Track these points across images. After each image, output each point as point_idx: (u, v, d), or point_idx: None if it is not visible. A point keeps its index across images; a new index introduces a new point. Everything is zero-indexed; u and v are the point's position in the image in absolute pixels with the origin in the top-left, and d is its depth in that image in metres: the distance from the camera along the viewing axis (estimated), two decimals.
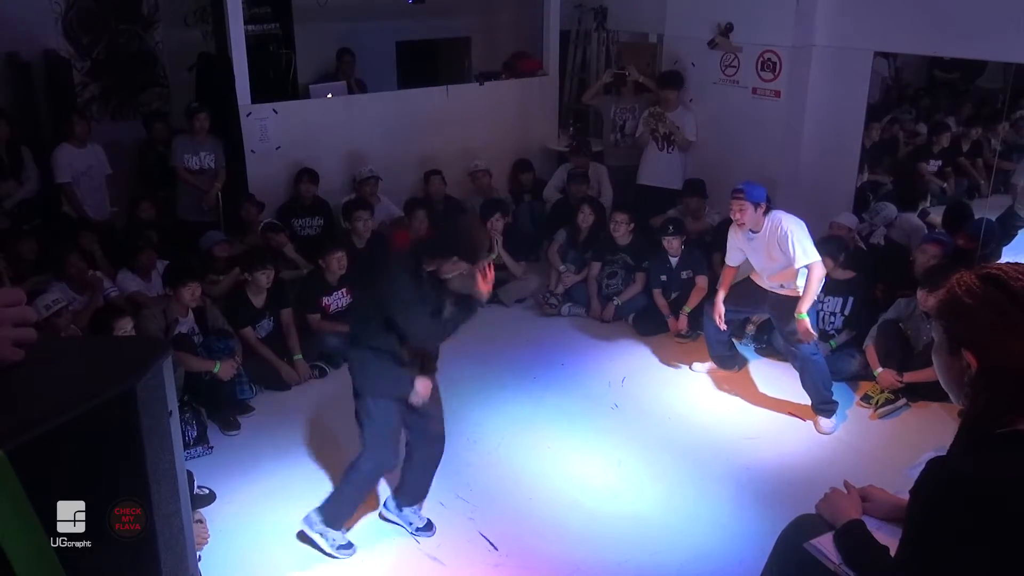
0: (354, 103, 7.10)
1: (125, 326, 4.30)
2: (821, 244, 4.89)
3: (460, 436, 4.63)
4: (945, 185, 8.30)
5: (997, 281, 1.47)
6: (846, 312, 5.29)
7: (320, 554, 3.68)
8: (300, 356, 5.23)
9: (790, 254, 4.52)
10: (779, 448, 4.57)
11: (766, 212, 4.63)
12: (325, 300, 5.50)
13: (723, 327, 4.92)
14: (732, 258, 4.92)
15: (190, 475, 4.01)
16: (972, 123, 8.74)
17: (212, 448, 4.50)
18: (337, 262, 5.42)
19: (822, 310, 5.31)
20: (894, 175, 7.96)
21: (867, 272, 5.44)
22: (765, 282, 4.78)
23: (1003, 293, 1.45)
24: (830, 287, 5.22)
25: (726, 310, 4.94)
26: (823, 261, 4.65)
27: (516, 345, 5.72)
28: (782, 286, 4.71)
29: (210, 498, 4.02)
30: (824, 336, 5.22)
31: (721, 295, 4.91)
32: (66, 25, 7.16)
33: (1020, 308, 1.43)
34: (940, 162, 8.31)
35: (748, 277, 4.93)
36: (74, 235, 5.66)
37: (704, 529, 3.89)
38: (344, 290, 5.57)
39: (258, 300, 5.19)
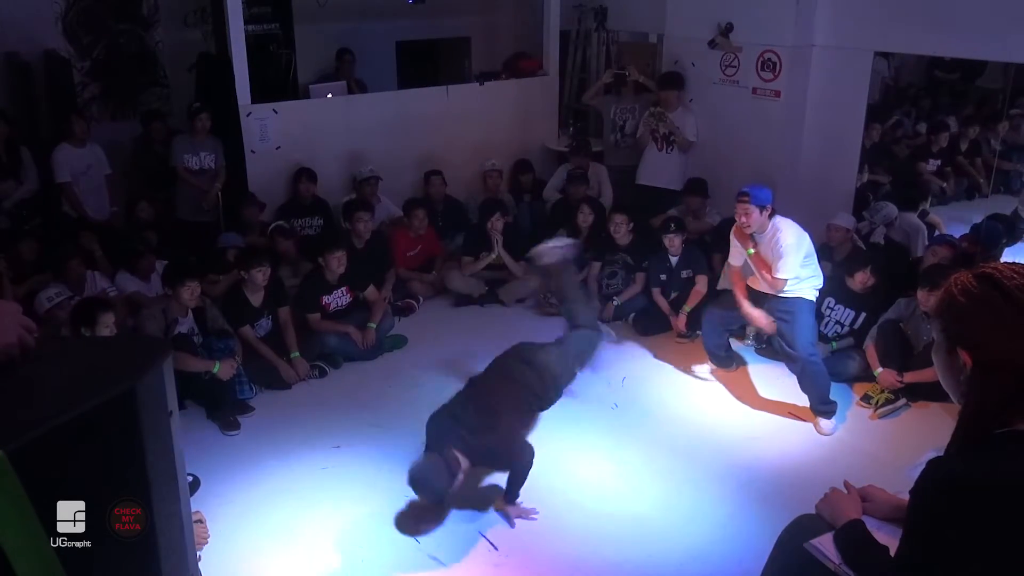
0: (354, 103, 7.09)
1: (107, 321, 4.26)
2: (852, 258, 5.44)
3: None
4: (945, 185, 8.30)
5: (992, 280, 1.47)
6: (855, 326, 5.24)
7: (320, 554, 3.68)
8: (297, 354, 5.22)
9: (776, 264, 4.56)
10: (779, 448, 4.57)
11: (771, 215, 4.63)
12: (325, 299, 5.50)
13: (769, 327, 4.79)
14: (734, 258, 4.92)
15: (196, 480, 4.01)
16: (971, 122, 8.75)
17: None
18: (337, 261, 5.42)
19: (830, 317, 5.30)
20: (893, 175, 7.96)
21: (885, 286, 5.33)
22: (763, 286, 4.77)
23: (997, 292, 1.45)
24: (845, 297, 5.21)
25: (724, 314, 4.98)
26: (859, 275, 5.09)
27: None
28: (780, 291, 4.71)
29: (194, 485, 3.99)
30: (824, 338, 5.22)
31: (744, 301, 4.81)
32: (66, 25, 7.16)
33: (1015, 307, 1.44)
34: (939, 162, 8.31)
35: (747, 283, 4.93)
36: (74, 235, 5.66)
37: (704, 529, 3.89)
38: (344, 289, 5.57)
39: (256, 299, 5.19)
